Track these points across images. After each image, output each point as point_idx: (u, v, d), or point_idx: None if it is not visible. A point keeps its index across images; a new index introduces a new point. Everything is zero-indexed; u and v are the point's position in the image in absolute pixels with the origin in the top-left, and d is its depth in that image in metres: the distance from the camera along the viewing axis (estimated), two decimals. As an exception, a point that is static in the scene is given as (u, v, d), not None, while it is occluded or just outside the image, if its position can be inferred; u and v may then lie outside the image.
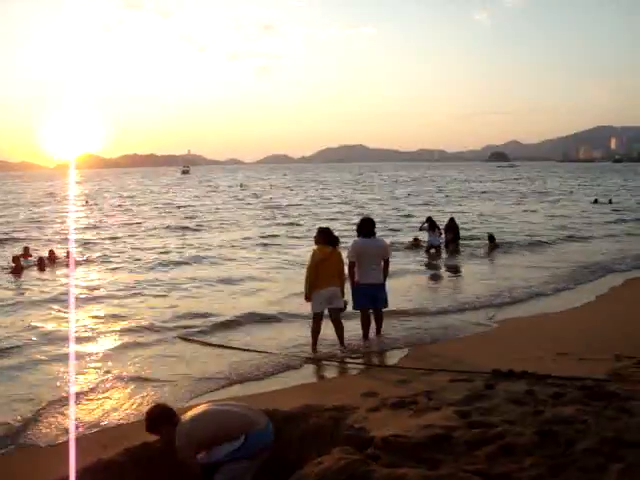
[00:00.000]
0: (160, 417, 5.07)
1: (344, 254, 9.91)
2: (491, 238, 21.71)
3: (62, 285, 15.65)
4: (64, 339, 10.45)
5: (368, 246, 9.90)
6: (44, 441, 6.55)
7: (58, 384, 8.35)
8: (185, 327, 11.19)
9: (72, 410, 7.29)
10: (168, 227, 30.79)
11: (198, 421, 4.93)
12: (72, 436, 6.20)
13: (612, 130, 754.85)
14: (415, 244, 21.97)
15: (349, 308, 9.87)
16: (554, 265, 17.36)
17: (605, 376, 7.04)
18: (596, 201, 43.87)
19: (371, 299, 9.93)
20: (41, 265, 18.19)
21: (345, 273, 9.75)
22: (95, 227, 31.23)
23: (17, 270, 17.37)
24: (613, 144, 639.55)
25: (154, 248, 22.99)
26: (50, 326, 11.48)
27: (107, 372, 8.84)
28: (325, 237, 9.61)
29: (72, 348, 9.79)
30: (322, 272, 9.38)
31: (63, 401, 7.68)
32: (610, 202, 42.66)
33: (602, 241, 23.45)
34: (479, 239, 23.21)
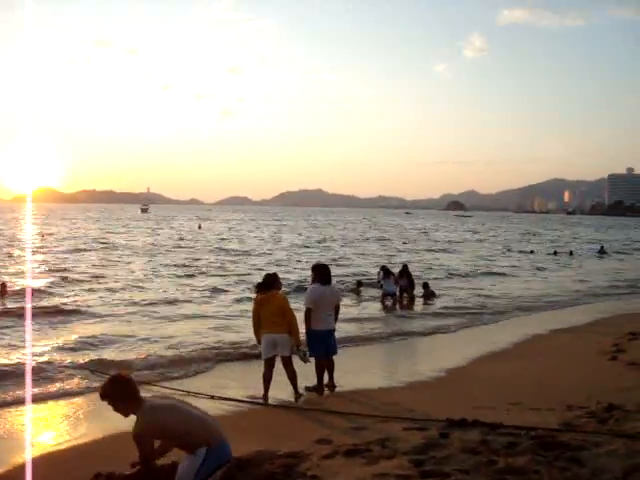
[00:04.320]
0: (128, 389, 5.05)
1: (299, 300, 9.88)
2: (425, 285, 21.80)
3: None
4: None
5: (325, 293, 9.87)
6: None
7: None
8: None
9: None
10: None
11: (168, 411, 4.98)
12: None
13: (566, 183, 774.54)
14: (357, 289, 22.16)
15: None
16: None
17: (557, 426, 7.10)
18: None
19: (324, 346, 9.85)
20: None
21: (294, 318, 9.45)
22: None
23: None
24: (566, 197, 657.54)
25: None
26: None
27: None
28: (261, 283, 9.68)
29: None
30: (262, 318, 9.39)
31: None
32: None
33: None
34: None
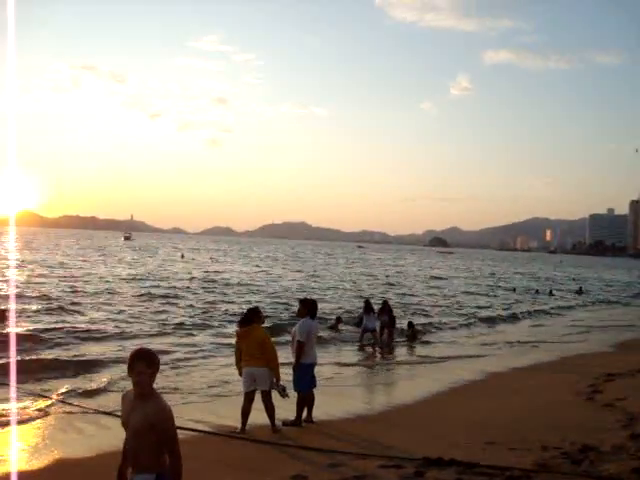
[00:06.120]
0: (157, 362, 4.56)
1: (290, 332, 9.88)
2: (410, 324, 21.60)
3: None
4: None
5: (314, 327, 10.14)
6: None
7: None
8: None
9: None
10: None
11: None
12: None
13: (547, 222, 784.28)
14: (336, 325, 22.05)
15: (291, 392, 9.71)
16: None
17: (532, 466, 7.13)
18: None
19: (311, 379, 9.95)
20: None
21: (275, 353, 9.44)
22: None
23: None
24: (548, 236, 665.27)
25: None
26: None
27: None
28: (242, 318, 9.76)
29: None
30: (243, 352, 9.43)
31: None
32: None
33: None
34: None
